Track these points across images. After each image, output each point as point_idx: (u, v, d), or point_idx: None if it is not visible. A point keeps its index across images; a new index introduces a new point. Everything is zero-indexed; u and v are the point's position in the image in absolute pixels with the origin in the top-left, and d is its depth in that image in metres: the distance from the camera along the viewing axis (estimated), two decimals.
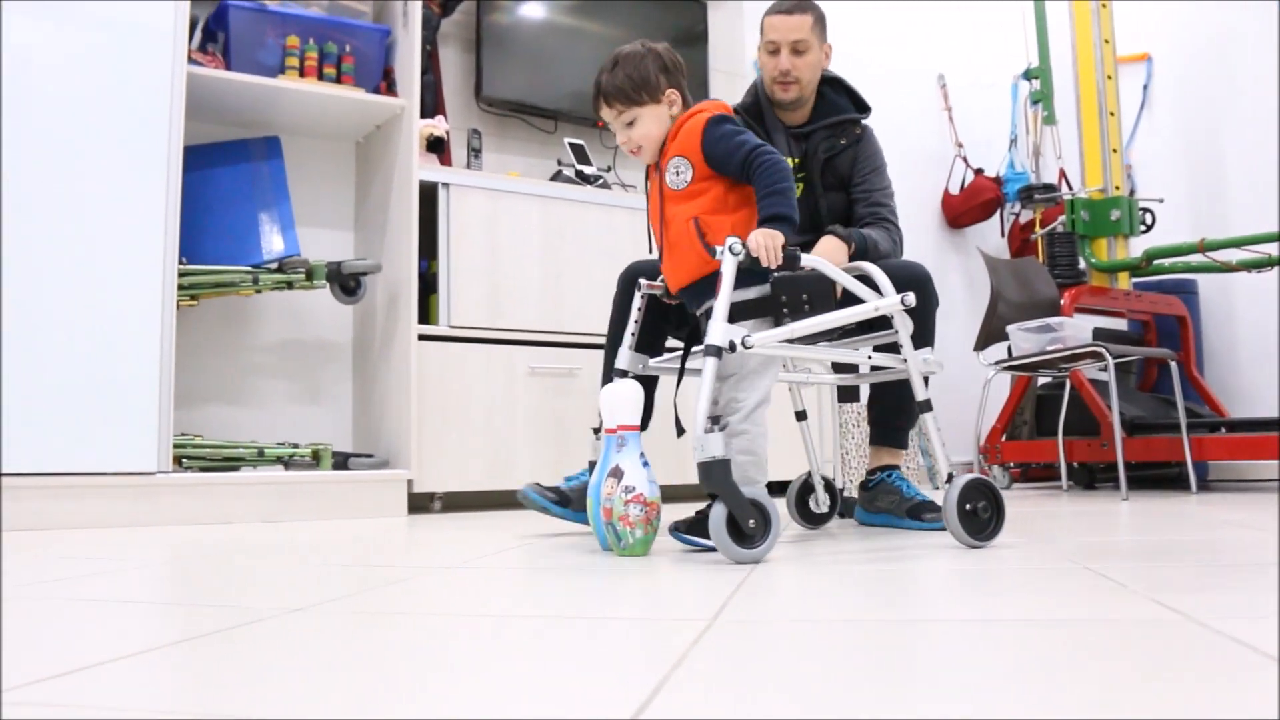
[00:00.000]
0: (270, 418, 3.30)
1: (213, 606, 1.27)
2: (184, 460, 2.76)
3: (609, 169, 4.06)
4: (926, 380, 2.05)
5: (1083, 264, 4.62)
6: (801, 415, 2.41)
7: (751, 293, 1.86)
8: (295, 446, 2.95)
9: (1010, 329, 3.86)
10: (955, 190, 5.37)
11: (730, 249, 1.75)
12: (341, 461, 2.99)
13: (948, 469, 1.90)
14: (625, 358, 2.15)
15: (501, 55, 3.78)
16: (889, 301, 1.88)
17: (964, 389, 4.82)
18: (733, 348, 1.71)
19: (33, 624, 1.16)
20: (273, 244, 3.01)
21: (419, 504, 3.09)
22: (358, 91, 3.17)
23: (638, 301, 2.17)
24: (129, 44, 2.67)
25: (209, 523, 2.58)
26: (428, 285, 3.23)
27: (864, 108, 2.66)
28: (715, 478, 1.64)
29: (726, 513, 1.63)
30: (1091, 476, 4.27)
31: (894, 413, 2.48)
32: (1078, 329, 3.76)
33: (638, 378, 2.05)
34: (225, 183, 3.04)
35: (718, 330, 1.72)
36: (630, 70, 1.95)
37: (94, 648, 1.01)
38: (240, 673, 0.91)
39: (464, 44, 3.89)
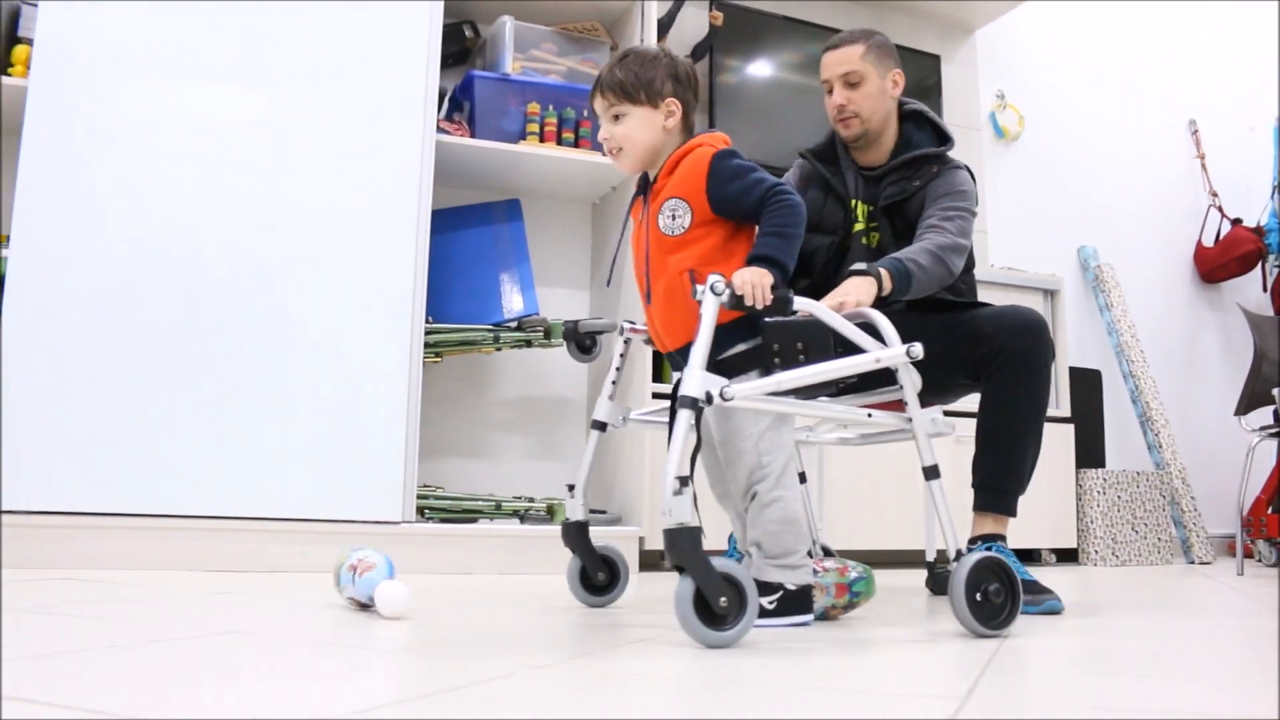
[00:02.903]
0: (507, 472, 3.39)
1: (459, 659, 1.30)
2: (426, 511, 2.86)
3: None
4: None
5: None
6: (800, 478, 2.15)
7: (744, 345, 1.71)
8: (530, 501, 3.01)
9: (1277, 392, 3.57)
10: (1209, 242, 5.06)
11: (712, 288, 1.56)
12: None
13: (956, 546, 1.66)
14: (603, 408, 1.97)
15: (733, 114, 3.82)
16: (892, 353, 1.68)
17: (1224, 457, 4.51)
18: (710, 400, 1.51)
19: (292, 668, 1.20)
20: (513, 303, 3.11)
21: (650, 561, 3.09)
22: (595, 155, 3.25)
23: (619, 347, 2.02)
24: (384, 116, 2.83)
25: (448, 572, 2.66)
26: None
27: (945, 139, 2.37)
28: (683, 548, 1.43)
29: (695, 589, 1.42)
30: None
31: (1001, 474, 2.20)
32: None
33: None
34: (469, 244, 3.17)
35: (694, 380, 1.51)
36: (636, 67, 1.80)
37: (348, 696, 1.04)
38: None
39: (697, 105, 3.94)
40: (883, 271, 2.00)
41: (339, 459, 2.65)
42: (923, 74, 4.35)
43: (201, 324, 2.59)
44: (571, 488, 1.98)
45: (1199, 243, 5.09)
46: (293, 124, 2.75)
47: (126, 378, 2.51)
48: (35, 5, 2.62)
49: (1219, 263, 5.00)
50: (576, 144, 3.27)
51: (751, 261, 1.65)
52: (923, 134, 2.39)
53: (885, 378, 1.75)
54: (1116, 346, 4.63)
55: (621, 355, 2.01)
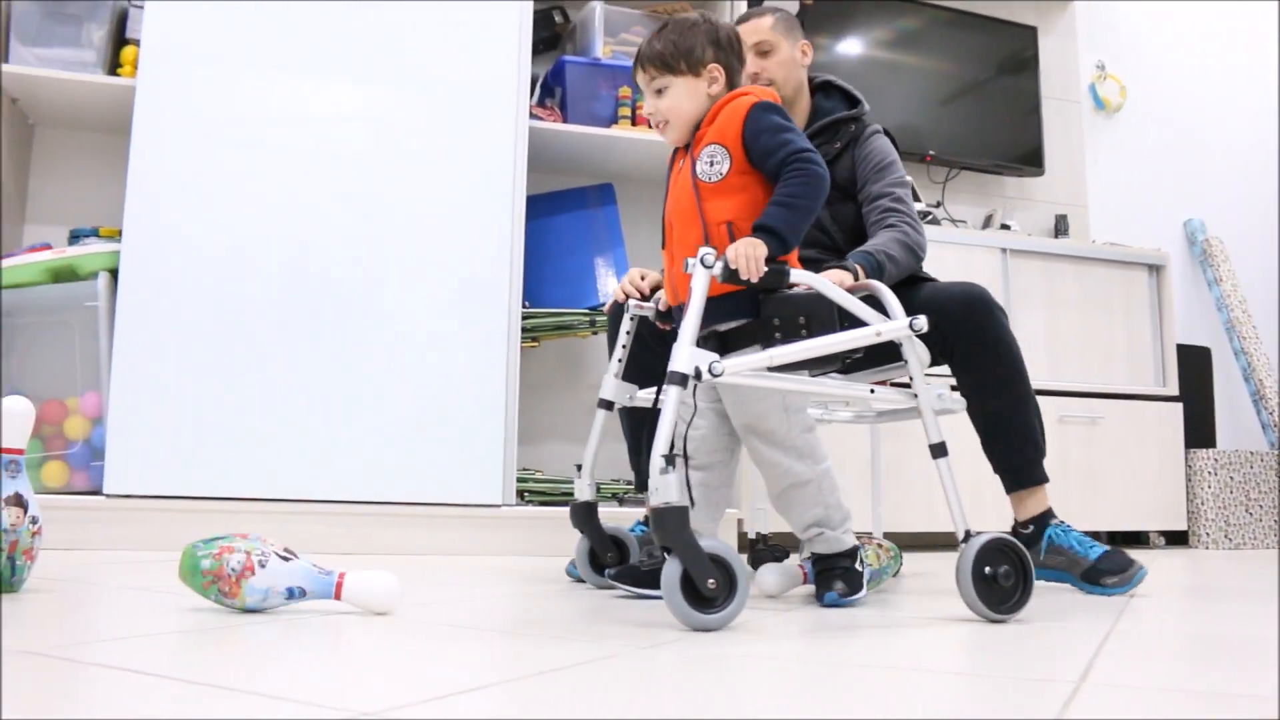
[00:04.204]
0: (605, 454, 3.39)
1: (563, 639, 1.30)
2: (526, 494, 2.89)
3: (938, 204, 3.96)
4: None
5: None
6: None
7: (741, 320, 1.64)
8: (629, 483, 3.02)
9: None
10: None
11: (703, 260, 1.49)
12: None
13: (965, 526, 1.59)
14: (610, 386, 1.94)
15: None
16: (894, 325, 1.62)
17: None
18: (699, 375, 1.44)
19: (397, 646, 1.22)
20: (608, 287, 3.12)
21: (746, 546, 3.08)
22: None
23: (626, 324, 1.97)
24: (477, 104, 2.86)
25: (548, 554, 2.68)
26: None
27: (856, 102, 2.39)
28: (669, 528, 1.37)
29: (682, 570, 1.36)
30: None
31: (1016, 449, 2.13)
32: None
33: (632, 411, 1.82)
34: (563, 229, 3.19)
35: (683, 355, 1.45)
36: (675, 36, 1.73)
37: (456, 675, 1.06)
38: (598, 711, 0.91)
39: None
40: (857, 267, 1.99)
41: (439, 443, 2.69)
42: (1019, 47, 4.26)
43: (303, 313, 2.65)
44: (579, 468, 1.96)
45: None
46: (388, 115, 2.79)
47: (230, 366, 2.58)
48: (142, 7, 2.69)
49: None
50: None
51: (754, 231, 1.58)
52: (833, 101, 2.43)
53: (895, 353, 1.69)
54: (1226, 323, 4.49)
55: (628, 333, 1.98)
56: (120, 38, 2.86)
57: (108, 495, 2.46)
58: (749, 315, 1.63)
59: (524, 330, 2.88)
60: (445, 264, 2.76)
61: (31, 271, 2.58)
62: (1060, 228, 4.19)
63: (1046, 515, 2.13)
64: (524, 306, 2.87)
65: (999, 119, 4.19)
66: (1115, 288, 3.85)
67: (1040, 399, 3.47)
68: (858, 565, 1.72)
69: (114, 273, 2.58)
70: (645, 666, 1.12)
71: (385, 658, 1.13)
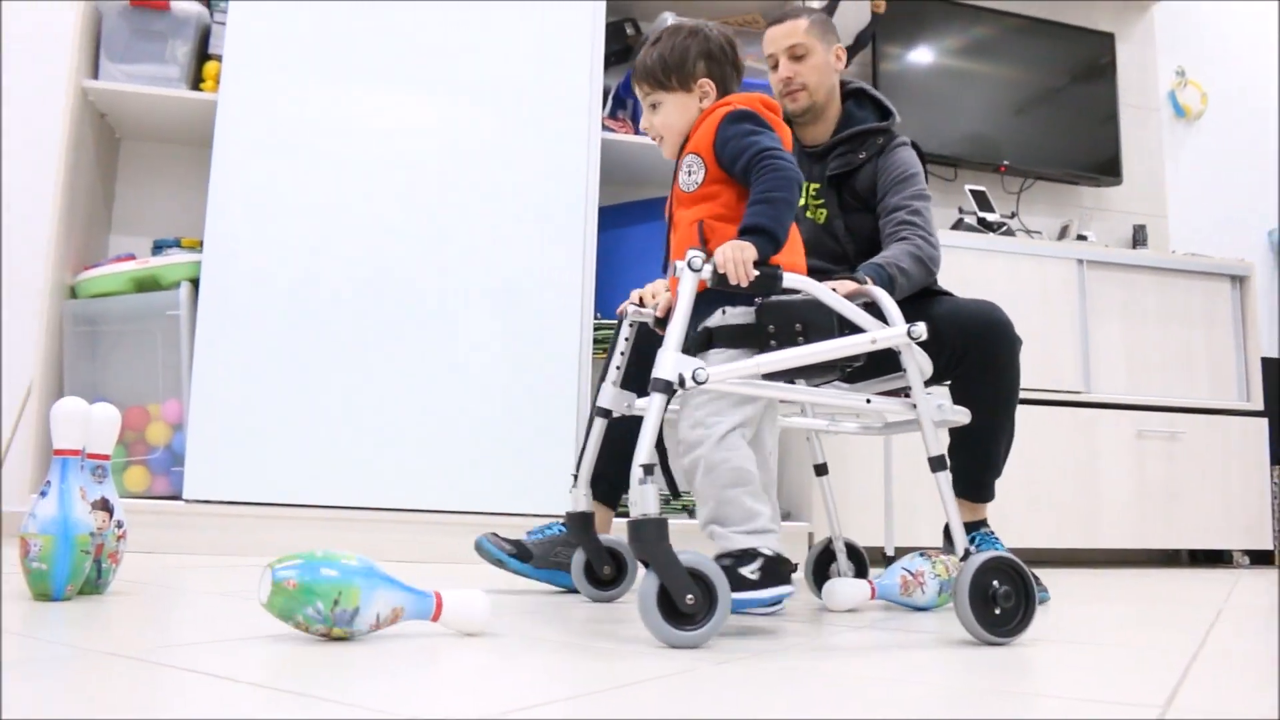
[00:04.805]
0: (677, 466, 3.39)
1: (640, 653, 1.30)
2: None
3: (1012, 215, 3.91)
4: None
5: None
6: (821, 470, 2.11)
7: (740, 315, 1.58)
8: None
9: None
10: None
11: (689, 264, 1.45)
12: None
13: (965, 545, 1.55)
14: (608, 394, 1.86)
15: (897, 102, 3.70)
16: (892, 333, 1.57)
17: None
18: (683, 383, 1.39)
19: (480, 660, 1.23)
20: None
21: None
22: None
23: (624, 330, 1.93)
24: (551, 116, 2.88)
25: None
26: None
27: (888, 114, 2.36)
28: (647, 541, 1.32)
29: (659, 585, 1.31)
30: None
31: (979, 468, 2.15)
32: None
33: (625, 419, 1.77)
34: (635, 240, 3.19)
35: (667, 361, 1.40)
36: (666, 50, 1.72)
37: (535, 688, 1.06)
38: None
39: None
40: (866, 279, 1.92)
41: (513, 452, 2.70)
42: (1095, 53, 4.19)
43: (378, 322, 2.68)
44: (575, 477, 1.92)
45: None
46: (463, 127, 2.82)
47: (307, 374, 2.62)
48: (224, 24, 2.75)
49: None
50: None
51: (741, 233, 1.54)
52: (865, 111, 2.40)
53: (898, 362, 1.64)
54: None
55: (626, 339, 1.93)
56: (203, 53, 2.92)
57: (187, 500, 2.51)
58: (730, 303, 1.59)
59: (596, 341, 2.89)
60: (518, 275, 2.78)
61: (116, 281, 2.65)
62: (1138, 238, 4.11)
63: (978, 524, 2.19)
64: (596, 317, 2.88)
65: (1075, 128, 4.12)
66: (1196, 299, 3.76)
67: (1117, 413, 3.42)
68: (750, 572, 1.54)
69: (195, 282, 2.64)
70: (723, 680, 1.11)
71: (467, 670, 1.14)
